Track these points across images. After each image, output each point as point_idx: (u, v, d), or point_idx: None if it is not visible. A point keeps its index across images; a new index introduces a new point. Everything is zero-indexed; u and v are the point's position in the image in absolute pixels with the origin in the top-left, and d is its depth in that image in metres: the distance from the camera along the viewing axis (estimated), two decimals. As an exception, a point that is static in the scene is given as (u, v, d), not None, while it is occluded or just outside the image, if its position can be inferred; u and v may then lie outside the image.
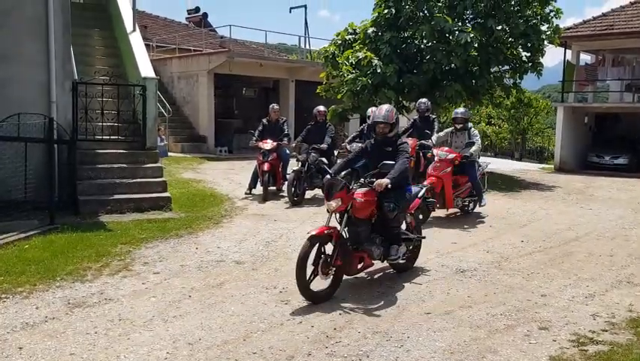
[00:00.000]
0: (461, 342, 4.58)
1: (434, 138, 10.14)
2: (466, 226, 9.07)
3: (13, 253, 6.55)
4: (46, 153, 8.84)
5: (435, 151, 9.64)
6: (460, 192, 9.60)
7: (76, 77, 10.03)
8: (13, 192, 8.34)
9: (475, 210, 10.05)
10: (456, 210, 9.90)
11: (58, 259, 6.39)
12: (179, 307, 5.17)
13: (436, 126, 11.07)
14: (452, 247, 7.70)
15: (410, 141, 10.19)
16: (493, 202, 11.55)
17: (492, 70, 15.34)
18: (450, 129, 10.02)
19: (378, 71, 13.59)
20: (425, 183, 8.48)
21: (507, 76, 15.84)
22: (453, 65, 14.03)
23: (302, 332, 4.67)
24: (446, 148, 9.61)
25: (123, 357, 4.12)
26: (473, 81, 14.85)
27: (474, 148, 9.38)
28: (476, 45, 13.74)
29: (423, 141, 10.52)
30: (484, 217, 9.83)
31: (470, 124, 9.94)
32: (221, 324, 4.79)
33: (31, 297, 5.27)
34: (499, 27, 14.44)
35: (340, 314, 5.09)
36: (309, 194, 10.87)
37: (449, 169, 9.21)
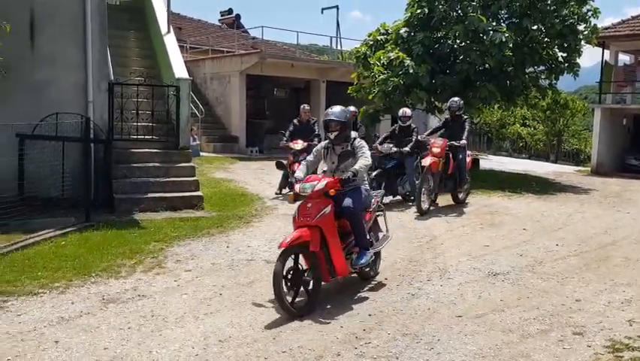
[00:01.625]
0: (493, 346, 4.51)
1: (464, 139, 10.10)
2: (498, 229, 8.93)
3: (51, 249, 6.73)
4: (83, 152, 9.04)
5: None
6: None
7: (113, 78, 10.24)
8: (51, 190, 8.56)
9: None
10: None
11: (94, 255, 6.54)
12: (210, 304, 5.23)
13: (467, 126, 10.84)
14: (484, 249, 7.60)
15: (440, 141, 10.08)
16: (527, 205, 11.36)
17: (527, 70, 15.07)
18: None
19: (411, 71, 13.49)
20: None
21: (543, 77, 15.55)
22: (487, 65, 13.84)
23: (331, 332, 4.67)
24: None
25: (155, 353, 4.18)
26: (507, 82, 14.61)
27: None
28: (511, 45, 13.52)
29: (453, 142, 10.36)
30: (517, 220, 9.66)
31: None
32: (251, 322, 4.83)
33: (67, 292, 5.40)
34: (535, 27, 14.18)
35: (370, 315, 5.07)
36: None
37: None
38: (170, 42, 11.79)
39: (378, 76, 13.94)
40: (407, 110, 11.08)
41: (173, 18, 13.21)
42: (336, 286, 5.85)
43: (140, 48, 13.24)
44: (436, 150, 9.84)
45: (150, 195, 9.44)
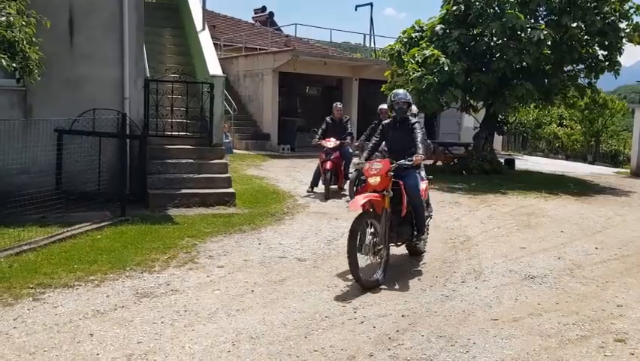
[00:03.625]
0: (530, 351, 4.38)
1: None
2: (535, 231, 8.72)
3: (87, 242, 6.83)
4: (119, 148, 9.17)
5: None
6: None
7: (148, 75, 10.37)
8: (88, 184, 8.71)
9: None
10: None
11: (128, 249, 6.61)
12: (242, 301, 5.22)
13: (418, 133, 9.91)
14: (521, 251, 7.42)
15: (379, 164, 7.92)
16: (564, 206, 11.08)
17: (566, 69, 14.74)
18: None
19: (446, 69, 13.31)
20: None
21: (582, 75, 15.17)
22: (524, 63, 13.58)
23: (363, 333, 4.61)
24: None
25: (188, 348, 4.19)
26: (545, 80, 14.32)
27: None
28: (549, 43, 13.24)
29: (404, 161, 8.94)
30: (555, 222, 9.42)
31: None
32: (283, 320, 4.80)
33: (102, 285, 5.46)
34: (575, 24, 13.82)
35: (403, 316, 4.99)
36: None
37: None
38: (205, 39, 11.88)
39: (413, 74, 13.80)
40: (385, 106, 9.43)
41: (208, 16, 13.31)
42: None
43: (175, 45, 13.38)
44: (374, 179, 5.87)
45: (183, 191, 9.53)
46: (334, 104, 11.76)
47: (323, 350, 4.25)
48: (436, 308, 5.23)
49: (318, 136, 11.17)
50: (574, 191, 13.23)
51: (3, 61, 6.31)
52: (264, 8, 32.16)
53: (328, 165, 10.70)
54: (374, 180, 5.86)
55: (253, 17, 32.04)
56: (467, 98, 15.09)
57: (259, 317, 4.83)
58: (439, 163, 16.65)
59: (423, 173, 6.84)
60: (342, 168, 11.10)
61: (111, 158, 9.19)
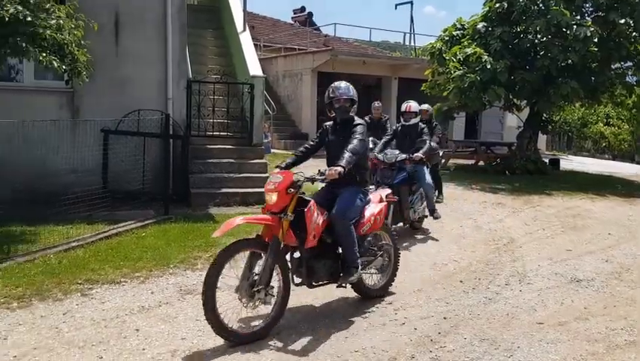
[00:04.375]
0: (577, 356, 4.27)
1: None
2: (581, 233, 8.48)
3: (132, 240, 7.00)
4: (162, 148, 9.37)
5: None
6: None
7: (191, 76, 10.54)
8: (132, 183, 8.92)
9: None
10: None
11: (172, 247, 6.74)
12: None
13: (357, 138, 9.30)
14: (566, 254, 7.23)
15: (278, 177, 6.44)
16: (612, 208, 10.74)
17: (613, 66, 14.27)
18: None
19: (488, 67, 13.07)
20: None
21: (629, 73, 14.65)
22: (570, 61, 13.22)
23: (405, 334, 4.57)
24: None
25: (231, 344, 4.24)
26: (592, 78, 13.90)
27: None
28: (596, 40, 12.85)
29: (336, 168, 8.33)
30: (602, 224, 9.14)
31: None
32: (323, 319, 4.80)
33: (147, 282, 5.59)
34: (622, 20, 13.36)
35: (445, 318, 4.93)
36: None
37: None
38: (246, 40, 12.00)
39: (454, 72, 13.62)
40: (412, 105, 8.25)
41: (248, 17, 13.43)
42: (409, 287, 5.74)
43: (216, 47, 13.57)
44: (269, 196, 4.50)
45: (224, 190, 9.65)
46: (373, 104, 11.69)
47: (364, 351, 4.24)
48: (478, 311, 5.15)
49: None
50: (621, 192, 12.81)
51: (54, 63, 6.53)
52: (303, 8, 32.27)
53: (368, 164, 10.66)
54: (269, 198, 4.45)
55: (292, 18, 32.18)
56: (510, 97, 14.79)
57: (299, 315, 4.84)
58: (481, 163, 16.38)
59: (384, 193, 5.57)
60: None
61: (155, 158, 9.39)
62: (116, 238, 6.98)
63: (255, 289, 4.27)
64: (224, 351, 4.15)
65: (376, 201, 5.26)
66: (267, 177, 10.04)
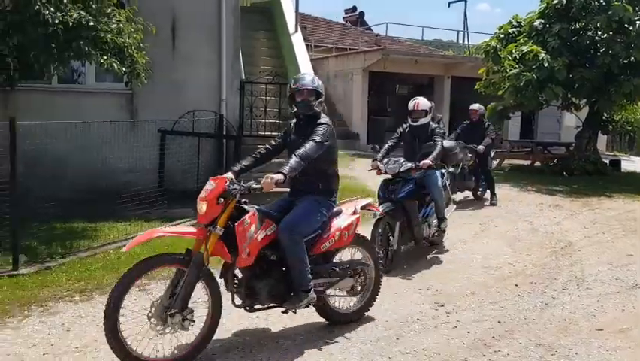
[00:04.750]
0: (640, 366, 4.09)
1: None
2: (644, 237, 8.12)
3: (187, 237, 7.14)
4: (216, 148, 9.56)
5: None
6: None
7: (244, 77, 10.72)
8: (187, 182, 9.15)
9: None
10: None
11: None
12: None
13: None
14: (627, 259, 6.93)
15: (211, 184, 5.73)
16: (678, 212, 10.22)
17: (680, 63, 13.56)
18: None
19: (545, 65, 12.68)
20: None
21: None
22: (632, 58, 12.65)
23: (457, 337, 4.50)
24: None
25: (282, 342, 4.29)
26: (657, 76, 13.25)
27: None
28: (661, 35, 12.24)
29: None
30: (666, 228, 8.72)
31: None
32: (375, 320, 4.78)
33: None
34: (690, 15, 12.71)
35: (499, 322, 4.82)
36: (459, 195, 10.27)
37: None
38: (298, 41, 12.11)
39: (509, 70, 13.28)
40: (421, 102, 6.95)
41: (299, 18, 13.54)
42: (461, 290, 5.65)
43: (268, 48, 13.74)
44: (199, 205, 3.94)
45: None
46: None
47: (415, 353, 4.20)
48: (534, 316, 5.01)
49: (409, 136, 10.99)
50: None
51: (115, 65, 6.78)
52: (354, 8, 32.23)
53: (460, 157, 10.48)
54: (199, 208, 3.89)
55: (344, 17, 32.19)
56: (569, 96, 14.30)
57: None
58: (538, 164, 15.92)
59: (359, 203, 4.75)
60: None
61: (208, 157, 9.60)
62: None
63: (169, 312, 3.70)
64: (273, 348, 4.18)
65: (348, 214, 4.54)
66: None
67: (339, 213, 4.50)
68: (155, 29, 7.85)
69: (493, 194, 10.15)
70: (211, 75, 9.87)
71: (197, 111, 9.53)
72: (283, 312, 4.33)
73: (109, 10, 7.00)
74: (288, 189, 4.50)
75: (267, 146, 4.58)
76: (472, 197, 10.26)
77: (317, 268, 4.33)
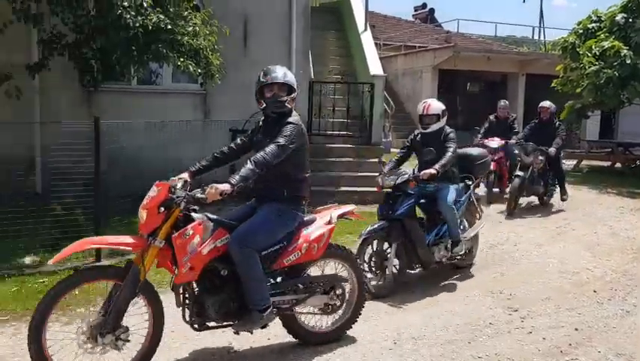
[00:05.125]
0: None
1: None
2: None
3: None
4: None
5: None
6: None
7: (312, 76, 10.82)
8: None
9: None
10: None
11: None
12: (403, 300, 5.23)
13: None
14: None
15: None
16: None
17: None
18: None
19: (628, 62, 12.01)
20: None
21: None
22: None
23: (532, 343, 4.35)
24: None
25: (349, 342, 4.31)
26: None
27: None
28: None
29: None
30: None
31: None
32: (445, 323, 4.71)
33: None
34: None
35: (576, 330, 4.63)
36: (523, 201, 9.63)
37: None
38: (367, 40, 12.08)
39: (589, 67, 12.68)
40: (432, 105, 6.05)
41: (368, 16, 13.50)
42: (536, 295, 5.46)
43: (337, 47, 13.79)
44: (140, 213, 3.66)
45: (343, 188, 9.78)
46: (499, 102, 11.22)
47: (487, 357, 4.10)
48: (614, 324, 4.77)
49: (480, 136, 10.72)
50: None
51: (190, 67, 7.02)
52: (424, 5, 31.82)
53: (491, 166, 10.18)
54: (140, 216, 3.55)
55: (413, 15, 31.86)
56: (654, 94, 13.50)
57: (420, 318, 4.80)
58: (618, 165, 15.12)
59: (337, 212, 4.28)
60: (507, 170, 10.51)
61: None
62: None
63: (99, 331, 3.40)
64: (341, 345, 4.20)
65: (321, 223, 4.10)
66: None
67: (311, 222, 4.07)
68: (229, 31, 8.05)
69: (563, 189, 9.65)
70: (281, 75, 10.00)
71: (267, 111, 9.69)
72: (235, 333, 3.89)
73: (185, 13, 7.27)
74: (253, 198, 4.08)
75: (232, 145, 4.18)
76: (537, 202, 9.74)
77: (280, 283, 3.92)
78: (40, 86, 8.60)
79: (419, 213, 5.91)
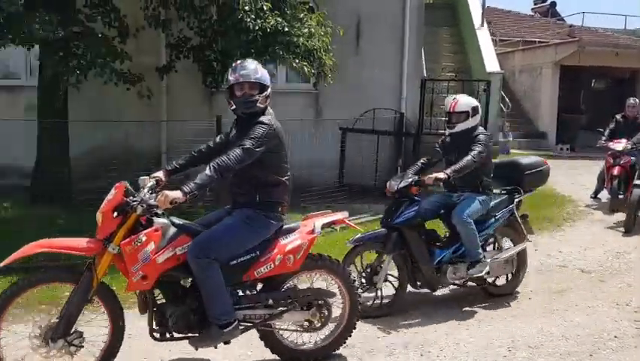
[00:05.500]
0: None
1: None
2: None
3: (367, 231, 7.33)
4: (395, 145, 9.66)
5: None
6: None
7: (425, 75, 10.66)
8: (365, 178, 9.38)
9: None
10: None
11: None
12: (518, 307, 5.03)
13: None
14: None
15: None
16: None
17: None
18: None
19: None
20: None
21: None
22: None
23: (665, 362, 4.00)
24: None
25: (463, 346, 4.21)
26: None
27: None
28: None
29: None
30: None
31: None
32: (564, 333, 4.46)
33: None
34: None
35: None
36: None
37: None
38: (483, 36, 11.73)
39: None
40: (461, 100, 5.15)
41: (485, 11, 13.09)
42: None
43: (451, 44, 13.52)
44: (97, 215, 3.52)
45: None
46: (627, 100, 10.37)
47: (612, 374, 3.83)
48: None
49: (604, 137, 9.96)
50: None
51: (305, 68, 7.21)
52: (544, -2, 30.16)
53: (616, 170, 9.34)
54: (97, 219, 3.40)
55: (532, 9, 30.28)
56: None
57: (537, 326, 4.57)
58: None
59: (321, 221, 3.89)
60: (635, 175, 9.66)
61: (386, 154, 9.74)
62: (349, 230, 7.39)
63: (51, 336, 3.28)
64: (454, 349, 4.11)
65: (303, 233, 3.76)
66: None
67: (291, 231, 3.75)
68: (343, 32, 8.15)
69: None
70: (392, 74, 9.98)
71: (377, 109, 9.70)
72: (197, 349, 3.58)
73: (301, 15, 7.46)
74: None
75: (209, 143, 3.91)
76: None
77: (251, 296, 3.65)
78: (166, 87, 9.25)
79: (441, 227, 5.21)
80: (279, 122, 3.64)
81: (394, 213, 4.80)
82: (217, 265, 3.40)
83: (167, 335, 3.52)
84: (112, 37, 7.67)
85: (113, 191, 3.39)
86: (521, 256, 5.32)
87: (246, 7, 6.74)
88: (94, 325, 3.51)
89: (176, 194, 3.22)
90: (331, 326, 3.91)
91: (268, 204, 3.61)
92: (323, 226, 3.86)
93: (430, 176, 4.75)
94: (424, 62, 10.88)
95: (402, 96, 9.98)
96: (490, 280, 5.18)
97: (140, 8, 7.81)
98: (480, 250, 4.89)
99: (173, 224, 3.48)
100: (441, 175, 4.73)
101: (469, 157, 4.81)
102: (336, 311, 3.92)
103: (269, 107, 3.65)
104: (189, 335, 3.52)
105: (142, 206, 3.29)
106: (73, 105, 8.18)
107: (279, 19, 6.97)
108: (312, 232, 3.77)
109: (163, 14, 8.11)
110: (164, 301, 3.52)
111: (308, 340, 3.91)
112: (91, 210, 3.61)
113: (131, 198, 3.34)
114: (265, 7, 6.93)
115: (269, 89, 3.62)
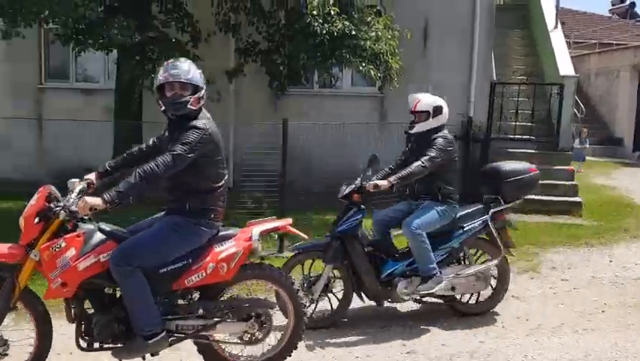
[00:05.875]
0: None
1: None
2: None
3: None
4: (462, 150, 9.43)
5: None
6: None
7: (494, 78, 10.39)
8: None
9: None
10: None
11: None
12: (590, 320, 4.81)
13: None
14: None
15: None
16: None
17: None
18: None
19: None
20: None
21: None
22: None
23: None
24: None
25: (530, 357, 4.07)
26: None
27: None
28: None
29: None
30: None
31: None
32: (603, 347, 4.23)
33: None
34: None
35: None
36: None
37: None
38: (557, 38, 11.29)
39: None
40: (423, 100, 4.88)
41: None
42: None
43: (522, 46, 13.10)
44: (20, 222, 3.47)
45: (525, 196, 9.23)
46: None
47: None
48: None
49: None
50: None
51: (372, 71, 7.20)
52: (623, -1, 28.74)
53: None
54: (20, 225, 3.30)
55: (610, 10, 28.95)
56: None
57: (610, 341, 4.36)
58: None
59: (259, 228, 3.63)
60: None
61: (455, 160, 9.54)
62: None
63: None
64: (521, 360, 3.99)
65: (240, 240, 3.55)
66: (575, 185, 9.32)
67: (227, 238, 3.54)
68: (410, 35, 8.08)
69: None
70: (460, 77, 9.78)
71: (445, 113, 9.53)
72: (119, 360, 3.40)
73: (369, 19, 7.46)
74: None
75: (149, 143, 3.72)
76: None
77: (181, 306, 3.48)
78: (234, 90, 9.48)
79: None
80: (215, 126, 3.46)
81: (339, 220, 4.54)
82: (140, 274, 3.25)
83: (94, 345, 3.39)
84: (185, 42, 7.94)
85: (35, 195, 3.30)
86: (501, 272, 4.88)
87: (314, 12, 6.81)
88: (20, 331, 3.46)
89: (96, 201, 3.10)
90: (276, 336, 3.71)
91: (199, 212, 3.42)
92: (262, 233, 3.62)
93: (371, 183, 4.46)
94: (493, 65, 10.57)
95: (470, 100, 9.76)
96: (458, 297, 4.77)
97: (212, 14, 8.05)
98: (433, 265, 4.47)
99: (101, 230, 3.37)
100: (383, 182, 4.43)
101: (417, 162, 4.50)
102: (283, 321, 3.77)
103: (204, 110, 3.48)
104: (115, 345, 3.38)
105: (65, 211, 3.18)
106: (148, 108, 8.51)
107: (347, 23, 7.00)
108: (250, 239, 3.55)
109: (233, 19, 8.32)
110: (91, 309, 3.39)
111: (252, 352, 3.69)
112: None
113: (55, 203, 3.26)
114: (333, 12, 6.97)
115: (202, 91, 3.43)
